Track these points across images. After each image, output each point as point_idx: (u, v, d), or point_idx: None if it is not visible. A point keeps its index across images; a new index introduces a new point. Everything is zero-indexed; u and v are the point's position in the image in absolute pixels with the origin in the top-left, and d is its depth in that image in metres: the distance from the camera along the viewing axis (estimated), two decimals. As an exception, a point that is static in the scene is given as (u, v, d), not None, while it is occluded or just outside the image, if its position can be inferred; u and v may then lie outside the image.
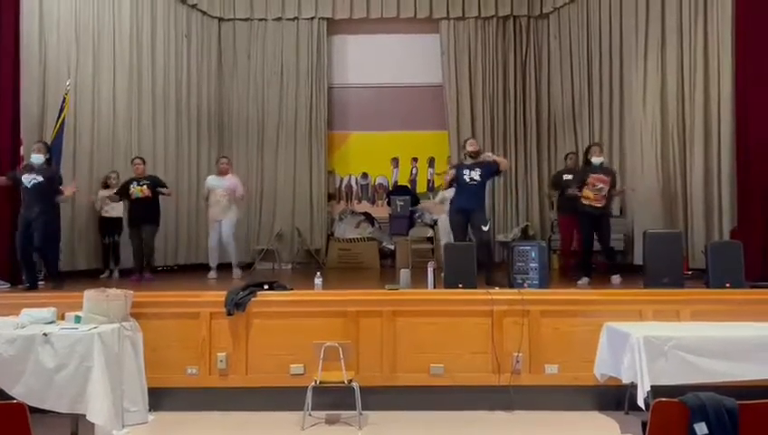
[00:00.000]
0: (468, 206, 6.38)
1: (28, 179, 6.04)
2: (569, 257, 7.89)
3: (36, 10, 7.32)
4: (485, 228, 6.32)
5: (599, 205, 6.36)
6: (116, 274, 7.93)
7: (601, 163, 6.61)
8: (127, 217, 7.61)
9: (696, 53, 7.53)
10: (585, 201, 6.39)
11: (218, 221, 7.73)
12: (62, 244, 7.02)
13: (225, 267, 7.94)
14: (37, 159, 6.14)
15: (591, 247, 6.57)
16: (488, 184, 7.03)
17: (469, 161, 6.57)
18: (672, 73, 7.86)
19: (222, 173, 7.88)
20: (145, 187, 7.39)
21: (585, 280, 6.36)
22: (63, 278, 6.41)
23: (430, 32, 10.76)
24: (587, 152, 6.75)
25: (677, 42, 7.79)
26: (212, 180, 7.89)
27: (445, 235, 8.01)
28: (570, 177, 7.35)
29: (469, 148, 6.60)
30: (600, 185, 6.35)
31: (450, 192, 7.11)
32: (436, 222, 10.49)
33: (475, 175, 6.42)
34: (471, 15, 10.49)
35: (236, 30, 10.58)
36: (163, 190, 7.55)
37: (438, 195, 8.69)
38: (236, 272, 7.79)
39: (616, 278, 6.39)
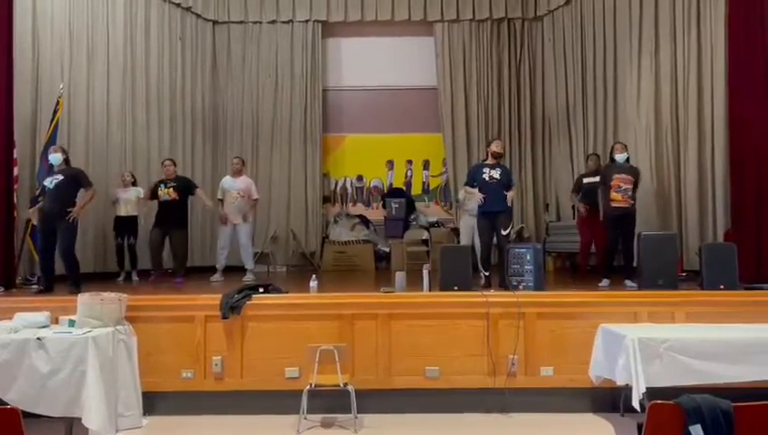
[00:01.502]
0: (494, 208, 6.25)
1: (50, 181, 6.05)
2: (585, 259, 7.69)
3: (30, 10, 7.31)
4: (505, 232, 6.24)
5: (626, 205, 6.39)
6: (134, 276, 7.87)
7: (627, 159, 6.62)
8: (154, 218, 7.58)
9: (689, 56, 7.57)
10: (613, 203, 6.42)
11: (232, 224, 7.66)
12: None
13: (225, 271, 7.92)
14: (55, 158, 6.16)
15: (615, 249, 6.55)
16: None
17: (491, 161, 6.42)
18: (666, 76, 7.89)
19: (235, 173, 7.84)
20: (172, 189, 7.39)
21: (606, 282, 6.32)
22: (80, 283, 6.15)
23: (425, 34, 10.80)
24: (611, 151, 6.79)
25: (671, 44, 7.83)
26: (226, 182, 7.83)
27: (465, 236, 7.94)
28: (591, 180, 7.29)
29: (495, 148, 6.43)
30: (624, 186, 6.38)
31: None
32: (432, 224, 10.52)
33: (495, 174, 6.30)
34: (465, 18, 10.54)
35: (231, 33, 10.59)
36: (195, 192, 7.61)
37: (459, 194, 8.56)
38: (249, 276, 7.64)
39: (630, 282, 6.23)
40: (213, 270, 7.84)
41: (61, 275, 6.22)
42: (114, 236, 7.93)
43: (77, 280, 6.05)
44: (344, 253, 10.19)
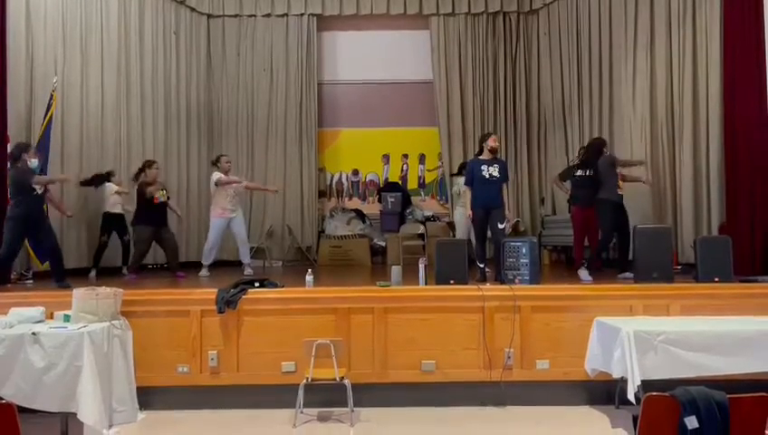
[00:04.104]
0: (491, 203, 6.28)
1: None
2: (580, 253, 7.66)
3: (23, 6, 7.24)
4: (501, 226, 6.25)
5: (622, 192, 6.67)
6: (125, 271, 7.84)
7: None
8: (145, 218, 7.48)
9: (684, 50, 7.56)
10: (620, 190, 6.63)
11: (228, 218, 7.73)
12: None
13: (215, 265, 7.95)
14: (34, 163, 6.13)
15: (611, 240, 6.62)
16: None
17: (488, 156, 6.43)
18: (661, 69, 7.89)
19: (227, 173, 7.85)
20: (165, 191, 7.60)
21: (586, 272, 6.34)
22: (65, 277, 6.16)
23: (420, 28, 10.76)
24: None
25: (666, 38, 7.82)
26: (219, 177, 7.81)
27: (461, 230, 7.94)
28: (582, 173, 7.29)
29: (492, 143, 6.44)
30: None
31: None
32: (428, 218, 10.52)
33: (494, 171, 6.32)
34: (461, 11, 10.51)
35: (225, 26, 10.53)
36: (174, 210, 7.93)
37: (455, 188, 8.58)
38: (248, 270, 7.65)
39: (627, 275, 6.23)
40: (191, 265, 7.88)
41: (47, 271, 6.23)
42: (101, 233, 7.82)
43: (63, 274, 6.12)
44: (340, 247, 10.18)
